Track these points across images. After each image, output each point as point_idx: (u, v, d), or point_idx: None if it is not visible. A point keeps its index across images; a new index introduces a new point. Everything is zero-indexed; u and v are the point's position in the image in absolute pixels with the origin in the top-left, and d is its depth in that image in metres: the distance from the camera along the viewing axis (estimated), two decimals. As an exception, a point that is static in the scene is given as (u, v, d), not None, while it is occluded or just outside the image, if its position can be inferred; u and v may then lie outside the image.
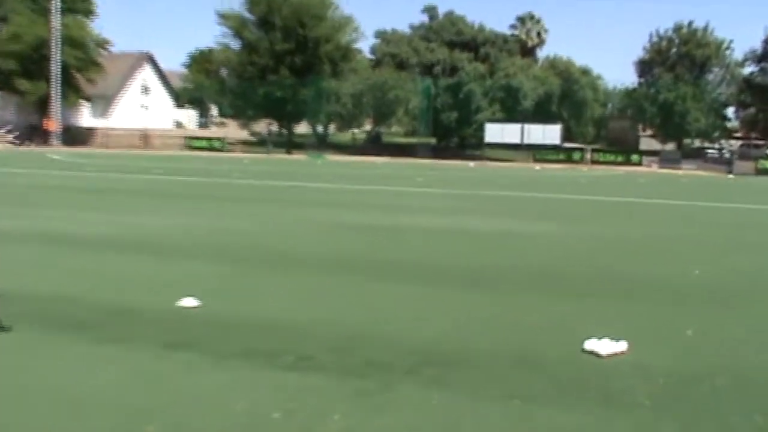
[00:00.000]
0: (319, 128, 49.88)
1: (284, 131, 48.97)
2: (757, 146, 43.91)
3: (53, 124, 44.64)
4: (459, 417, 2.63)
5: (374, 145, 47.48)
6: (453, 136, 47.51)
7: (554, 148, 42.55)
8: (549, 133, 42.68)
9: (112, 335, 3.52)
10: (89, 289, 4.57)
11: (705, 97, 44.86)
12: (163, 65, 56.85)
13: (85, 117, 50.33)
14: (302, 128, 50.18)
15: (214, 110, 58.83)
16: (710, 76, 47.14)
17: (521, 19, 61.32)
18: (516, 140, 42.86)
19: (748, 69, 46.07)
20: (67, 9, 44.16)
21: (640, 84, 48.34)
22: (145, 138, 47.72)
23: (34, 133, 44.97)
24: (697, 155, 41.34)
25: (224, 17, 46.67)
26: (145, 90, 54.86)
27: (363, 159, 38.69)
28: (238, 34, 46.85)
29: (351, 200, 12.43)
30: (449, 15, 57.98)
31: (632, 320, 4.11)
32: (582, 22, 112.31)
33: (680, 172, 34.95)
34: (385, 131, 51.53)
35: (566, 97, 46.45)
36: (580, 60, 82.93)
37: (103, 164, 23.21)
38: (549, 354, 3.40)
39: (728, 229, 9.47)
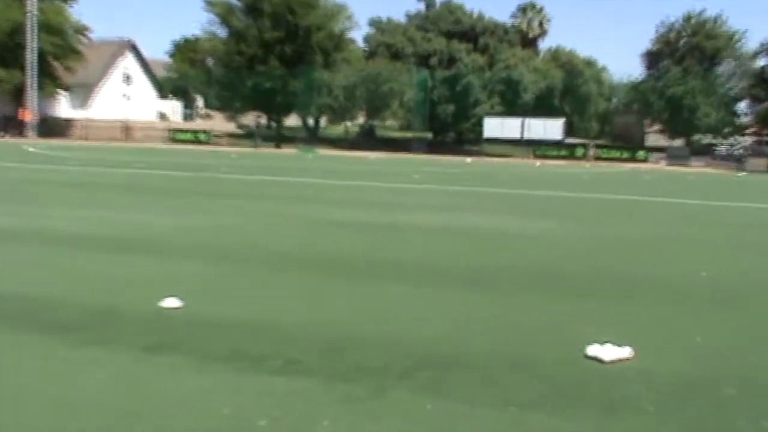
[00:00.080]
0: (310, 121, 48.51)
1: (273, 124, 47.49)
2: (770, 143, 42.51)
3: (29, 115, 43.46)
4: (453, 424, 2.54)
5: (367, 140, 46.00)
6: (450, 130, 46.04)
7: (556, 144, 41.33)
8: (550, 128, 41.45)
9: (95, 337, 3.47)
10: (72, 289, 4.48)
11: (715, 91, 43.50)
12: (146, 53, 55.50)
13: (64, 107, 49.04)
14: (292, 121, 48.75)
15: (199, 101, 57.11)
16: (721, 69, 45.82)
17: (522, 9, 60.21)
18: (516, 135, 41.51)
19: (762, 62, 44.57)
20: (44, -7, 42.78)
21: (647, 77, 47.02)
22: (126, 130, 46.30)
23: (8, 124, 44.16)
24: (706, 152, 40.04)
25: (211, 3, 45.59)
26: (127, 79, 53.27)
27: (355, 154, 37.47)
28: (225, 21, 45.54)
29: (344, 197, 12.53)
30: (447, 3, 56.48)
31: (635, 322, 4.11)
32: (586, 12, 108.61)
33: (688, 169, 34.45)
34: (379, 125, 49.95)
35: (569, 90, 45.13)
36: (583, 51, 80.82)
37: (84, 157, 23.03)
38: (548, 357, 3.39)
39: (733, 229, 9.59)
